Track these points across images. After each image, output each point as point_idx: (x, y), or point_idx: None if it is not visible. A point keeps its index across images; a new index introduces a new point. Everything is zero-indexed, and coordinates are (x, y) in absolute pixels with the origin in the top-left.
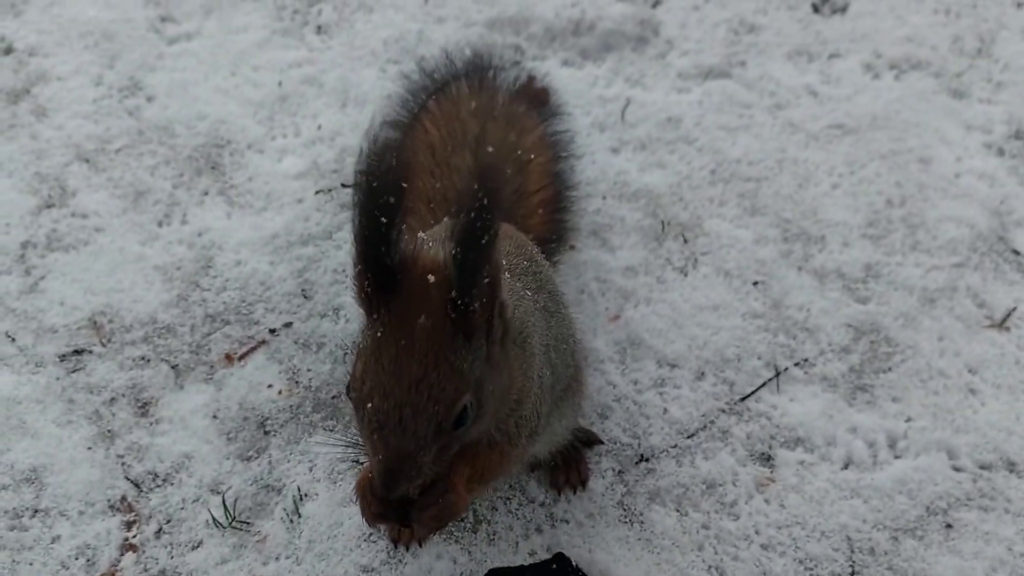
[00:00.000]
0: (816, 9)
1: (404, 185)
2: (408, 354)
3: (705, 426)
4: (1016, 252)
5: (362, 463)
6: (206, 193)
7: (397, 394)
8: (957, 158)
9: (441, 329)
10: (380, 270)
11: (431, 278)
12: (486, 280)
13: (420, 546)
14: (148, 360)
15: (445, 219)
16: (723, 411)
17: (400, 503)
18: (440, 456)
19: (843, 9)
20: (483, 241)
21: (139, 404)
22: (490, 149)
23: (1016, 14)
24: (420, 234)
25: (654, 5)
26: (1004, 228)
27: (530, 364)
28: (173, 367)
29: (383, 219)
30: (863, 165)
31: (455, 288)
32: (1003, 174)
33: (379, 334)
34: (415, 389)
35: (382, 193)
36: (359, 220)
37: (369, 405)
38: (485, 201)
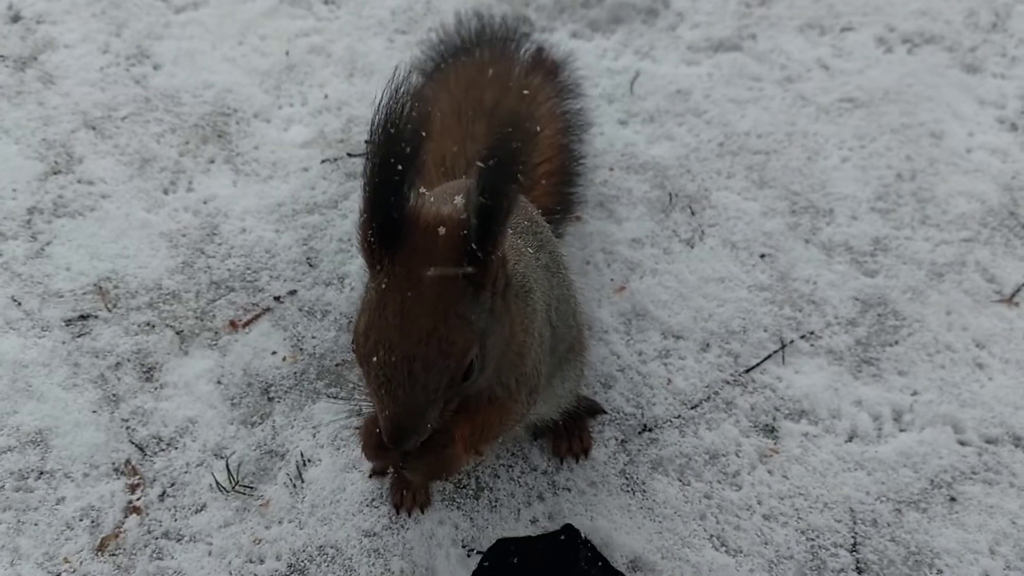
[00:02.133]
0: None
1: (423, 134)
2: (416, 307)
3: (709, 397)
4: None
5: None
6: (212, 161)
7: (405, 347)
8: (969, 133)
9: (452, 282)
10: (387, 220)
11: (442, 230)
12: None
13: (422, 512)
14: (153, 326)
15: (456, 181)
16: (727, 382)
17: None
18: (444, 409)
19: None
20: (510, 188)
21: (144, 369)
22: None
23: None
24: (422, 190)
25: None
26: (1015, 203)
27: (531, 319)
28: (178, 333)
29: (398, 167)
30: (873, 139)
31: (475, 238)
32: (1016, 149)
33: (383, 286)
34: (425, 342)
35: (399, 141)
36: (372, 166)
37: (374, 359)
38: (516, 146)
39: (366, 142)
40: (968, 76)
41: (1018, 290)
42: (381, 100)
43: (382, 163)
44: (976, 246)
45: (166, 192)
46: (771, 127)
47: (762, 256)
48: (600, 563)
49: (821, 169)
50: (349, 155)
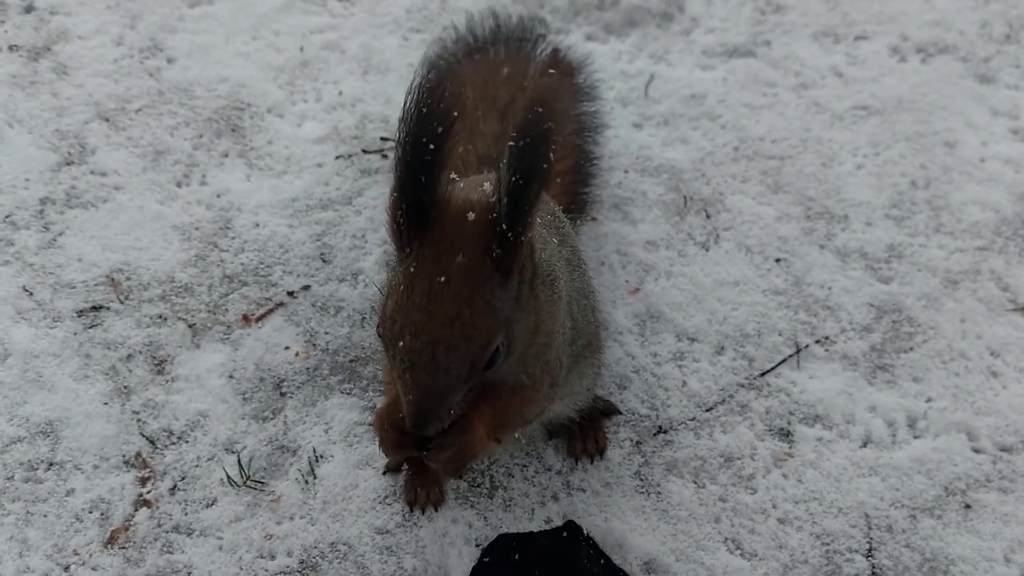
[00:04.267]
0: None
1: (455, 114)
2: (443, 291)
3: (724, 400)
4: None
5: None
6: (226, 155)
7: (430, 331)
8: (983, 142)
9: (480, 267)
10: (417, 202)
11: (471, 215)
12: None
13: (436, 510)
14: (165, 318)
15: (480, 175)
16: (742, 386)
17: (420, 437)
18: (467, 396)
19: None
20: (542, 167)
21: (155, 361)
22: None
23: None
24: (453, 176)
25: None
26: None
27: (557, 307)
28: (190, 326)
29: (430, 147)
30: (888, 146)
31: (506, 220)
32: None
33: (412, 270)
34: (449, 326)
35: (432, 120)
36: (404, 147)
37: (401, 343)
38: (547, 126)
39: (383, 138)
40: (982, 86)
41: None
42: (414, 81)
43: (414, 143)
44: (990, 255)
45: (179, 185)
46: (786, 133)
47: (777, 260)
48: (602, 560)
49: (836, 175)
50: (364, 151)
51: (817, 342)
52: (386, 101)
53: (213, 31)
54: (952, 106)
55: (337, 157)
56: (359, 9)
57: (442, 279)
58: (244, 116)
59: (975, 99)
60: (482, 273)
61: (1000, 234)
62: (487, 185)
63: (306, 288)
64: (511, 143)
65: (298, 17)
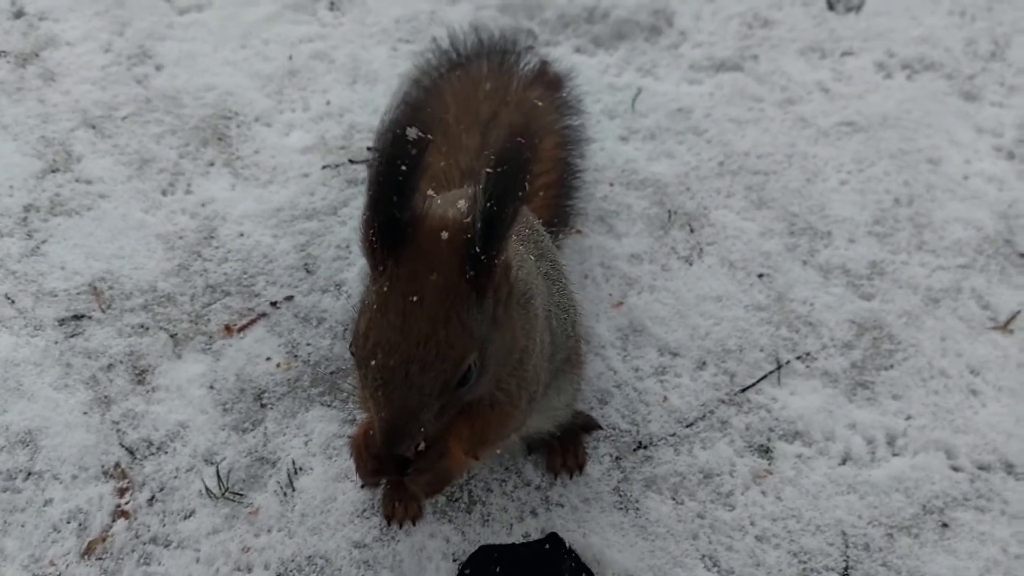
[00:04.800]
0: (831, 6)
1: (430, 137)
2: (417, 310)
3: (704, 416)
4: (1023, 256)
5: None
6: (211, 164)
7: (404, 350)
8: (966, 160)
9: (454, 287)
10: (391, 221)
11: (445, 235)
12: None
13: (414, 524)
14: (147, 328)
15: (459, 190)
16: (723, 402)
17: (397, 460)
18: (440, 415)
19: (858, 7)
20: (517, 195)
21: (136, 371)
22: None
23: None
24: (429, 192)
25: None
26: (1011, 232)
27: (533, 325)
28: (172, 336)
29: (403, 168)
30: (872, 163)
31: (480, 243)
32: (1012, 178)
33: (385, 289)
34: (423, 345)
35: (406, 142)
36: (377, 166)
37: (373, 362)
38: (526, 156)
39: (368, 148)
40: (966, 104)
41: (1012, 318)
42: (390, 103)
43: (388, 163)
44: (972, 273)
45: (164, 194)
46: (771, 148)
47: (760, 276)
48: (584, 574)
49: (820, 191)
50: (351, 161)
51: (798, 358)
52: (374, 111)
53: (202, 39)
54: (937, 123)
55: (324, 167)
56: (348, 19)
57: (416, 298)
58: (231, 125)
59: (960, 116)
60: (456, 293)
61: (982, 252)
62: (462, 203)
63: (289, 299)
64: (488, 169)
65: (287, 26)
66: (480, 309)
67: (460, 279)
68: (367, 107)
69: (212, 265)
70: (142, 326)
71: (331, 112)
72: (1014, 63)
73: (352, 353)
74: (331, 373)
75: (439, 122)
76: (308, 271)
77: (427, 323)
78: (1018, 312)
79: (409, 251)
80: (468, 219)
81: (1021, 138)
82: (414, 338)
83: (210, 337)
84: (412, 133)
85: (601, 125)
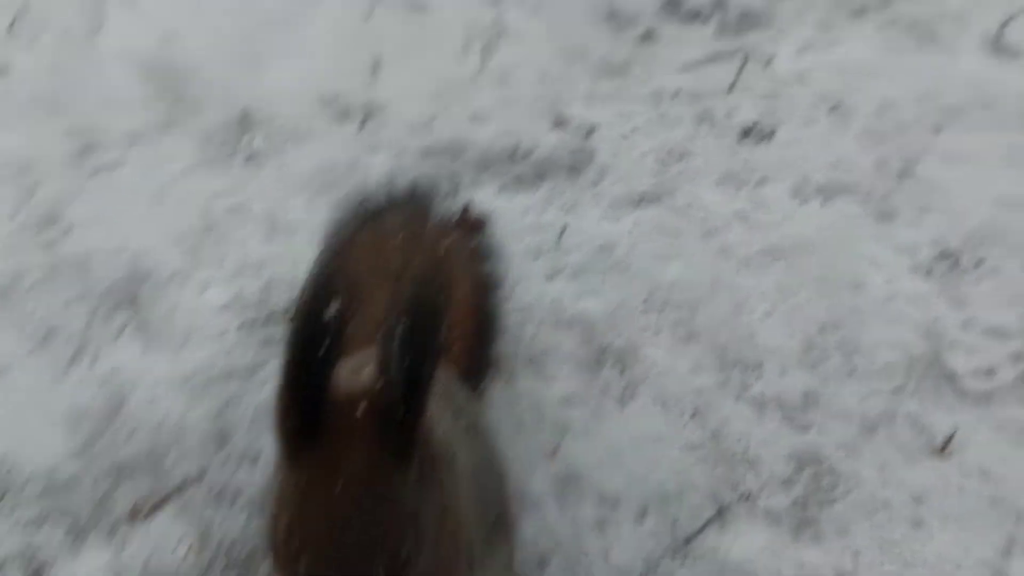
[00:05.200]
0: (744, 135)
1: (347, 319)
2: (343, 499)
3: (648, 572)
4: (951, 375)
5: None
6: (122, 329)
7: (336, 545)
8: (887, 280)
9: (377, 464)
10: (310, 410)
11: (360, 408)
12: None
13: None
14: (45, 517)
15: (367, 351)
16: (664, 556)
17: None
18: None
19: (770, 136)
20: (433, 348)
21: (31, 570)
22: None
23: (935, 139)
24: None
25: (588, 134)
26: (938, 351)
27: (459, 486)
28: (71, 526)
29: (320, 352)
30: (795, 291)
31: (401, 408)
32: (933, 296)
33: (304, 482)
34: (355, 535)
35: (322, 324)
36: (293, 352)
37: (302, 567)
38: (436, 307)
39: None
40: (882, 225)
41: (948, 440)
42: (305, 278)
43: (303, 347)
44: (904, 397)
45: (71, 364)
46: (695, 280)
47: (692, 415)
48: None
49: (747, 322)
50: (268, 319)
51: (739, 499)
52: (293, 263)
53: (115, 198)
54: (855, 246)
55: (239, 326)
56: (265, 171)
57: (339, 486)
58: (144, 286)
59: (877, 238)
60: (381, 470)
61: (912, 375)
62: (369, 369)
63: (201, 475)
64: (398, 324)
65: (203, 180)
66: (406, 482)
67: (382, 454)
68: (285, 260)
69: (119, 441)
70: (40, 516)
71: (248, 265)
72: (923, 180)
73: (273, 560)
74: (246, 558)
75: (351, 283)
76: (223, 440)
77: (354, 511)
78: (952, 434)
79: (325, 436)
80: (381, 384)
81: (936, 255)
82: (343, 530)
83: (114, 524)
84: (330, 312)
85: (526, 264)
